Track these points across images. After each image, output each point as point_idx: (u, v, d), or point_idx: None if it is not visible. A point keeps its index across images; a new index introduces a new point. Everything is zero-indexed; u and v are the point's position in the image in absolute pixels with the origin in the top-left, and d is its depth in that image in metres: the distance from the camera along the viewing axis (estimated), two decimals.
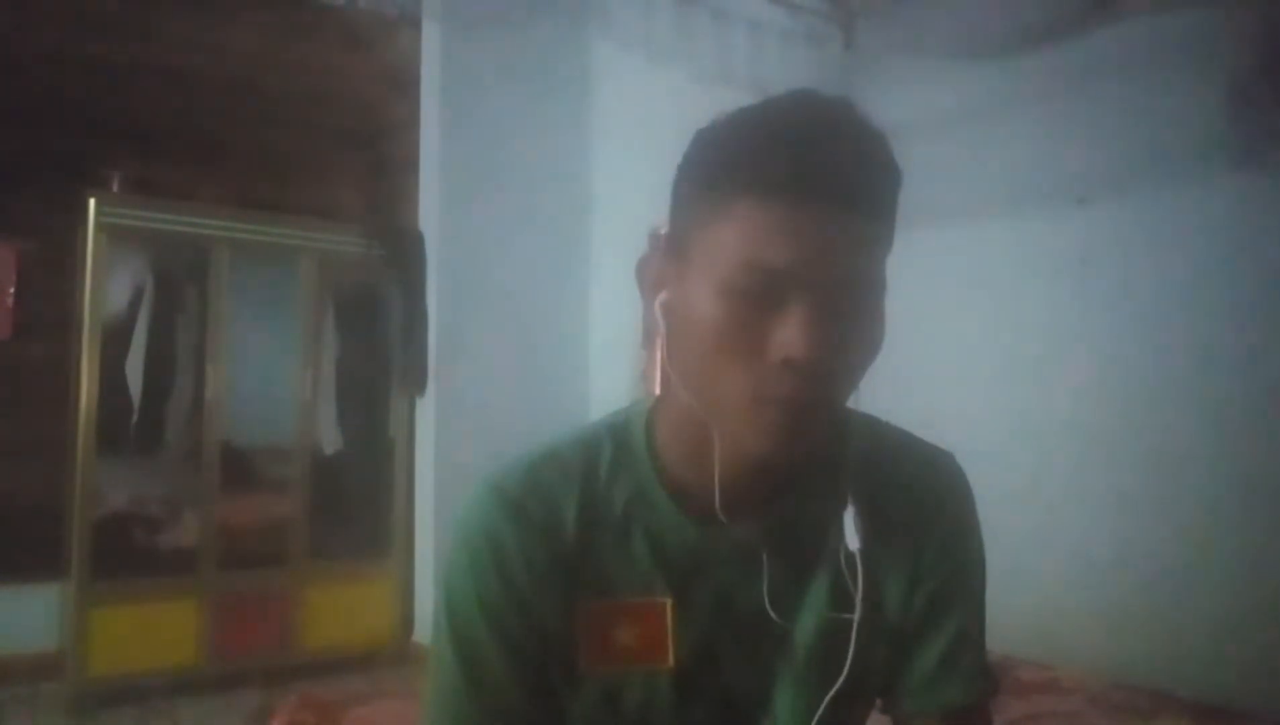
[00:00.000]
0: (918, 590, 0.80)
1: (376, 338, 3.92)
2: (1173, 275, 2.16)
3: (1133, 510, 2.21)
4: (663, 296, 0.73)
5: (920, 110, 2.47)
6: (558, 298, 3.97)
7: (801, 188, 0.64)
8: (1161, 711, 1.81)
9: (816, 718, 0.77)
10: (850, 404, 0.74)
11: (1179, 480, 2.13)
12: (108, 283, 3.34)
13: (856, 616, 0.76)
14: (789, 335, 0.65)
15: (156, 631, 3.32)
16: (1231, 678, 1.96)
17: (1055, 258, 2.38)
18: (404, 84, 4.01)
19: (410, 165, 3.94)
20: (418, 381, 3.76)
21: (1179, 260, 2.15)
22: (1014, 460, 2.37)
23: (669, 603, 0.77)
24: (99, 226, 3.27)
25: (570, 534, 0.76)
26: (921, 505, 0.81)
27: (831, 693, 0.76)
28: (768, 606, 0.77)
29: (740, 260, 0.65)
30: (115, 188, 3.42)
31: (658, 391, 0.79)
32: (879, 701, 0.85)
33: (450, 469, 3.63)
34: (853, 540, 0.75)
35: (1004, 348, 2.49)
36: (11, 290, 3.49)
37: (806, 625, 0.78)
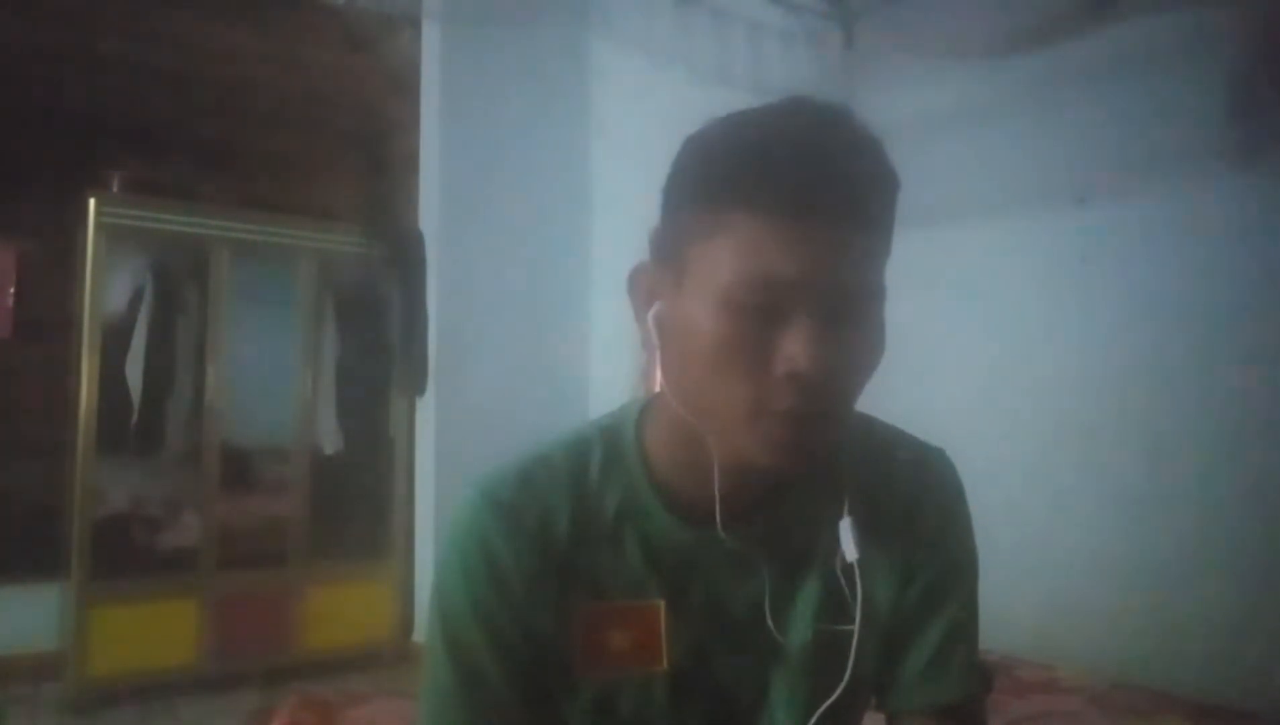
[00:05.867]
0: (909, 588, 0.80)
1: (376, 338, 3.92)
2: (1173, 275, 2.16)
3: (1133, 509, 2.21)
4: (656, 308, 0.72)
5: (920, 110, 2.47)
6: (558, 298, 3.96)
7: (801, 201, 0.63)
8: (1161, 711, 1.81)
9: (813, 723, 0.77)
10: None
11: (1179, 480, 2.13)
12: (108, 283, 3.34)
13: (856, 630, 0.76)
14: (794, 349, 0.64)
15: (156, 631, 3.32)
16: (1231, 678, 1.96)
17: (1055, 258, 2.38)
18: (404, 84, 4.00)
19: (410, 165, 3.94)
20: (418, 381, 3.76)
21: (1179, 260, 2.15)
22: (1013, 460, 2.37)
23: (662, 605, 0.76)
24: (99, 226, 3.26)
25: (562, 538, 0.76)
26: (912, 503, 0.81)
27: (829, 702, 0.76)
28: (750, 613, 0.76)
29: (742, 273, 0.64)
30: (115, 188, 3.41)
31: (656, 390, 0.78)
32: (873, 699, 0.85)
33: (450, 469, 3.62)
34: (850, 551, 0.75)
35: (1004, 347, 2.49)
36: (11, 290, 3.49)
37: (801, 629, 0.78)
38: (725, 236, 0.65)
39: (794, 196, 0.63)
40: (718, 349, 0.66)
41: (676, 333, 0.70)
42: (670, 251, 0.71)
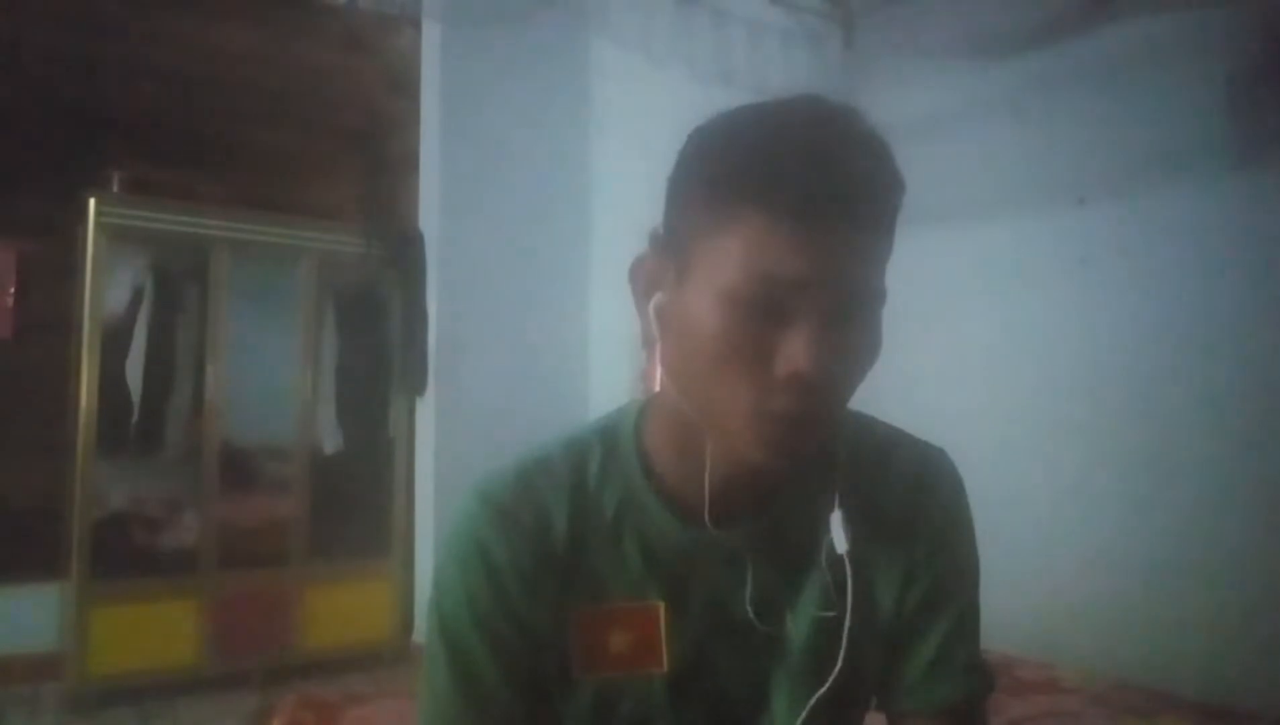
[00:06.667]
0: (910, 588, 0.80)
1: (376, 338, 3.92)
2: (1173, 275, 2.16)
3: (1133, 510, 2.21)
4: (657, 299, 0.72)
5: (920, 110, 2.47)
6: (558, 298, 3.97)
7: (811, 202, 0.63)
8: (1162, 711, 1.80)
9: (805, 718, 0.77)
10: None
11: (1179, 480, 2.13)
12: (108, 283, 3.34)
13: (847, 621, 0.76)
14: (795, 349, 0.64)
15: (156, 631, 3.32)
16: (1232, 678, 1.96)
17: (1055, 258, 2.38)
18: (404, 84, 4.01)
19: (410, 165, 3.94)
20: (418, 381, 3.76)
21: (1179, 260, 2.15)
22: (1014, 460, 2.37)
23: (661, 606, 0.76)
24: (99, 226, 3.26)
25: (561, 540, 0.76)
26: (912, 502, 0.81)
27: (816, 696, 0.76)
28: (748, 610, 0.76)
29: (747, 270, 0.64)
30: (115, 188, 3.41)
31: (655, 391, 0.79)
32: (874, 700, 0.85)
33: (450, 469, 3.63)
34: (840, 543, 0.75)
35: (1004, 348, 2.49)
36: (11, 290, 3.49)
37: (800, 627, 0.78)
38: (732, 233, 0.65)
39: (804, 197, 0.63)
40: (719, 345, 0.66)
41: (678, 325, 0.70)
42: (674, 243, 0.71)
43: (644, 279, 0.74)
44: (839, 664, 0.75)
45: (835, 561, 0.76)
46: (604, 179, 4.00)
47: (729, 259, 0.65)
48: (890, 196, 0.68)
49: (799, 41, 2.72)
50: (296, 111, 4.04)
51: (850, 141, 0.66)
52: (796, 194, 0.63)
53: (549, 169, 3.96)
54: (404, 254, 3.79)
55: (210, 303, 3.49)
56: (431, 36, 3.84)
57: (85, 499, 3.22)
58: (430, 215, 3.82)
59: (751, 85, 2.55)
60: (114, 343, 3.36)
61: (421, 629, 3.72)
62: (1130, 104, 2.21)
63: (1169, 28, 2.13)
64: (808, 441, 0.69)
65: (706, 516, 0.73)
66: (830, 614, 0.77)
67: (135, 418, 3.41)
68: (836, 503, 0.76)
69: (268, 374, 3.71)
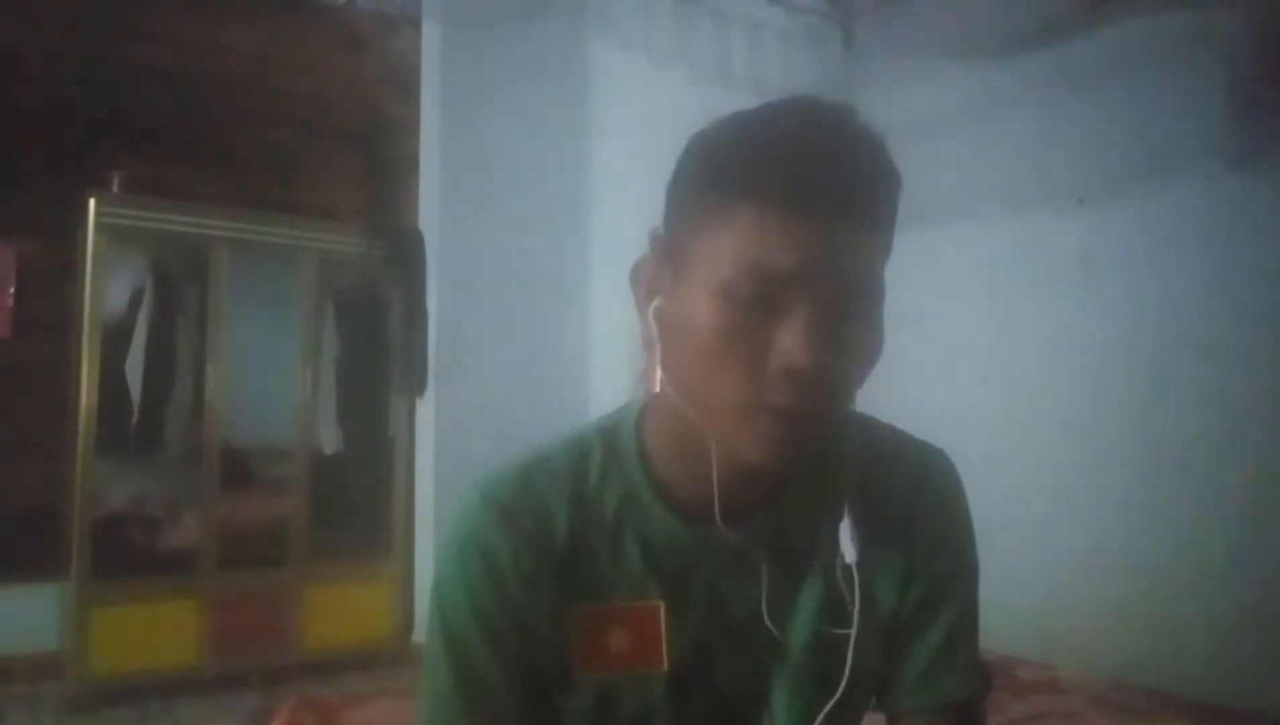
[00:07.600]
0: (910, 588, 0.80)
1: (376, 338, 3.92)
2: (1173, 275, 2.16)
3: (1133, 510, 2.21)
4: (657, 302, 0.72)
5: (920, 110, 2.48)
6: (558, 298, 3.96)
7: (802, 194, 0.63)
8: (1161, 711, 1.81)
9: (805, 720, 0.77)
10: None
11: (1179, 480, 2.13)
12: (108, 283, 3.34)
13: (854, 630, 0.76)
14: (790, 342, 0.64)
15: (156, 631, 3.32)
16: (1232, 678, 1.96)
17: (1055, 258, 2.38)
18: (404, 84, 4.01)
19: (410, 165, 3.94)
20: (418, 381, 3.76)
21: (1179, 260, 2.15)
22: (1014, 460, 2.37)
23: (662, 606, 0.76)
24: (99, 226, 3.26)
25: (562, 539, 0.76)
26: (912, 503, 0.81)
27: (829, 705, 0.76)
28: (761, 611, 0.76)
29: (740, 264, 0.64)
30: (115, 188, 3.41)
31: (655, 391, 0.78)
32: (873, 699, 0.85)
33: (450, 469, 3.62)
34: (849, 553, 0.75)
35: (1004, 348, 2.49)
36: (11, 290, 3.49)
37: (801, 629, 0.78)
38: (725, 228, 0.65)
39: (795, 190, 0.63)
40: (714, 340, 0.66)
41: (676, 325, 0.70)
42: (672, 245, 0.71)
43: (645, 282, 0.74)
44: (845, 677, 0.75)
45: (842, 569, 0.76)
46: (604, 179, 3.99)
47: (721, 254, 0.65)
48: (883, 190, 0.67)
49: (799, 41, 2.72)
50: (296, 111, 4.04)
51: (840, 135, 0.66)
52: (788, 186, 0.63)
53: (549, 169, 3.95)
54: (404, 254, 3.79)
55: (210, 303, 3.49)
56: (431, 36, 3.84)
57: (85, 499, 3.22)
58: (430, 215, 3.82)
59: (751, 85, 2.55)
60: (114, 343, 3.36)
61: (421, 629, 3.73)
62: (1130, 104, 2.21)
63: (1169, 28, 2.13)
64: (806, 439, 0.69)
65: (716, 515, 0.73)
66: (832, 616, 0.77)
67: (135, 418, 3.41)
68: (845, 510, 0.76)
69: (268, 374, 3.71)
